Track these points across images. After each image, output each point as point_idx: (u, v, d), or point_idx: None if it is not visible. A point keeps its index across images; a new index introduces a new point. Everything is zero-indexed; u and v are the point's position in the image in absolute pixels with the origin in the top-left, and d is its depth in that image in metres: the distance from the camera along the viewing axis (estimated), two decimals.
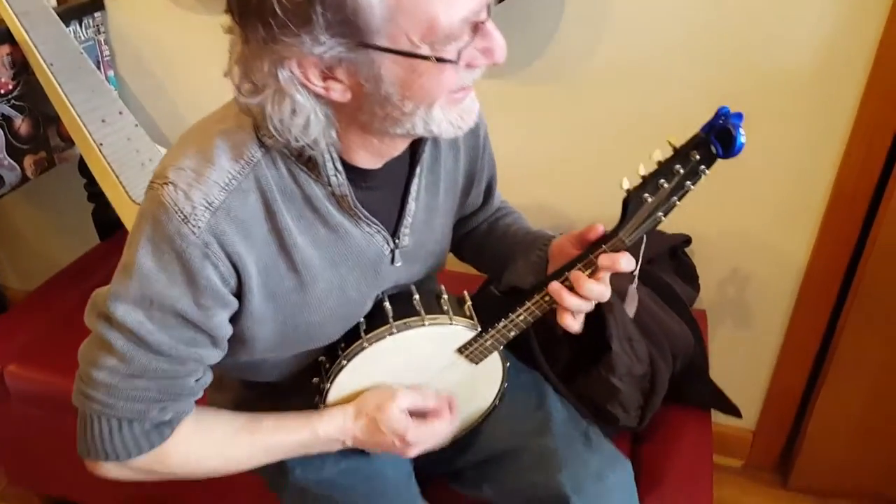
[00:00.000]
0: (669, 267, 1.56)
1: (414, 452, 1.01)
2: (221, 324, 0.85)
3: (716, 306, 1.71)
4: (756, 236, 1.61)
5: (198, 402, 0.93)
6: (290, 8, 0.66)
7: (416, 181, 0.93)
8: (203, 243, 0.78)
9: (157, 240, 0.79)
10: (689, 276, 1.59)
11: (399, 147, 0.87)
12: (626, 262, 0.88)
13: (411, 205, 0.94)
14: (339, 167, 0.83)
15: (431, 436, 1.00)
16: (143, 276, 0.79)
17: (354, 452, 1.03)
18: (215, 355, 0.88)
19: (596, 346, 1.20)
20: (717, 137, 0.79)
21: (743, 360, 1.76)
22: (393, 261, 0.95)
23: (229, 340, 0.90)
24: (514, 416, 1.11)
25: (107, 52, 1.80)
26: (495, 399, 1.09)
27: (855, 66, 1.37)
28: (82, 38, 1.72)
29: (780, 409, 1.80)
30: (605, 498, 1.02)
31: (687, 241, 1.59)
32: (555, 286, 0.90)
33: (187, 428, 0.91)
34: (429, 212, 0.98)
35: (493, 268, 1.13)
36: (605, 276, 0.89)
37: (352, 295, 0.93)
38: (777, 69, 1.42)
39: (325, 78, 0.73)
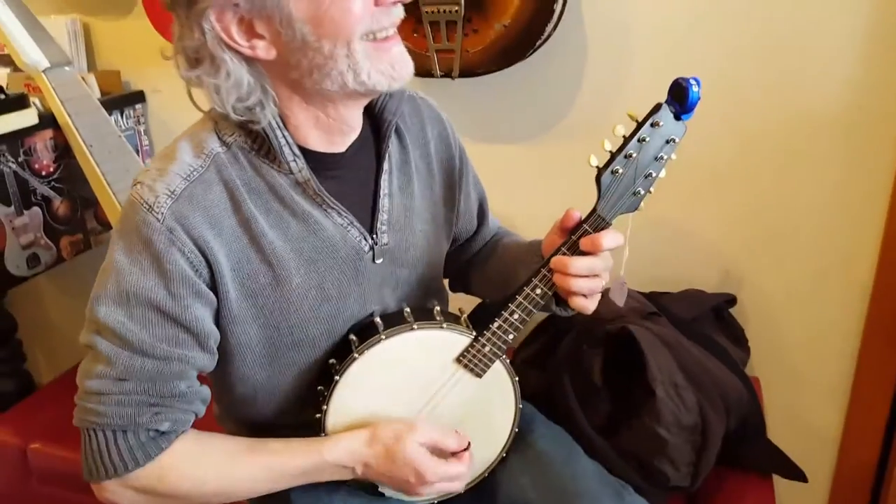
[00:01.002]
0: (716, 328, 1.48)
1: (426, 493, 0.93)
2: (201, 318, 0.84)
3: (769, 373, 1.60)
4: (807, 291, 1.53)
5: None
6: None
7: (385, 177, 0.94)
8: (167, 229, 0.80)
9: (126, 233, 0.82)
10: (737, 337, 1.51)
11: (349, 120, 0.88)
12: (610, 239, 0.86)
13: (384, 200, 0.94)
14: (297, 151, 0.85)
15: (447, 477, 0.93)
16: (118, 271, 0.82)
17: (364, 493, 0.97)
18: (204, 359, 0.87)
19: (638, 395, 1.11)
20: (674, 97, 0.82)
21: (804, 434, 1.62)
22: (374, 259, 0.94)
23: (224, 356, 0.90)
24: (538, 469, 1.03)
25: (146, 142, 1.87)
26: (513, 425, 1.01)
27: (893, 102, 1.34)
28: (123, 127, 1.79)
29: (851, 490, 1.64)
30: None
31: (731, 300, 1.52)
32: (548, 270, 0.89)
33: (187, 443, 0.88)
34: (406, 213, 0.97)
35: (498, 289, 1.09)
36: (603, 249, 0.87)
37: (332, 293, 0.91)
38: (813, 113, 1.39)
39: (248, 38, 0.78)
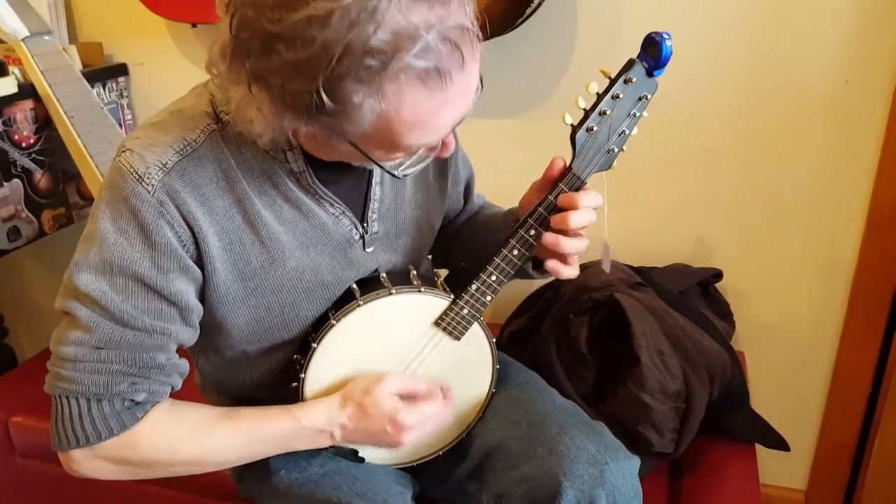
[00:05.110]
0: (702, 302, 1.49)
1: (408, 438, 0.92)
2: (185, 292, 0.83)
3: (754, 348, 1.61)
4: (792, 267, 1.53)
5: None
6: (290, 94, 0.67)
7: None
8: (157, 202, 0.78)
9: (114, 202, 0.80)
10: (723, 312, 1.51)
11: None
12: (589, 198, 0.87)
13: (375, 189, 0.93)
14: (295, 143, 0.82)
15: (425, 419, 0.92)
16: (103, 240, 0.79)
17: (342, 459, 0.97)
18: (185, 333, 0.86)
19: (623, 363, 1.11)
20: (646, 52, 0.82)
21: (787, 410, 1.63)
22: (364, 246, 0.93)
23: (208, 329, 0.88)
24: (507, 411, 1.03)
25: (129, 116, 1.84)
26: (491, 385, 1.02)
27: (879, 78, 1.34)
28: (105, 100, 1.77)
29: (832, 465, 1.66)
30: (602, 486, 0.90)
31: (717, 275, 1.52)
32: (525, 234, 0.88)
33: (160, 413, 0.87)
34: (397, 199, 0.96)
35: (479, 260, 1.08)
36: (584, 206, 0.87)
37: (327, 278, 0.91)
38: (800, 88, 1.40)
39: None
